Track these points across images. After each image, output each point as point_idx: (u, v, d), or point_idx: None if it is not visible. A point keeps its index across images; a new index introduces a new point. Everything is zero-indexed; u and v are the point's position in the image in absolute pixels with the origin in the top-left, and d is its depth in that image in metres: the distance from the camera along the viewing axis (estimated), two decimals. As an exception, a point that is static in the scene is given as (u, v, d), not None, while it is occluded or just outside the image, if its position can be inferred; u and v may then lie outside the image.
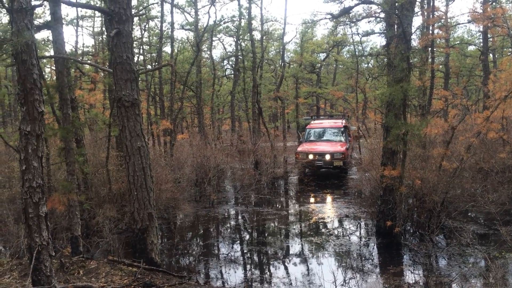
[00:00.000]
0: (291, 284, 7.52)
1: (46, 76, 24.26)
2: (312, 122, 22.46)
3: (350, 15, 16.96)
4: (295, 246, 9.77)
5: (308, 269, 8.26)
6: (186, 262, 8.94)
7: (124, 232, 9.99)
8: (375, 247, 9.48)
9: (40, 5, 5.24)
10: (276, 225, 11.51)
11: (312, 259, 8.85)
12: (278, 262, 8.79)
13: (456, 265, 7.96)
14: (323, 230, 10.88)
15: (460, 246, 8.64)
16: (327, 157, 17.63)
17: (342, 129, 20.08)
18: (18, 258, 7.82)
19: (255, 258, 9.16)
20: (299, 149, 19.04)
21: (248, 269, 8.50)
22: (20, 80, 4.71)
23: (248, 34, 25.16)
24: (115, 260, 7.64)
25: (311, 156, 17.95)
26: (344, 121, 21.40)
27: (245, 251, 9.59)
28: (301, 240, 10.18)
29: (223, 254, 9.37)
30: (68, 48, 27.48)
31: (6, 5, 8.34)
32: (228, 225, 11.93)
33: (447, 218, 9.78)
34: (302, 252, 9.40)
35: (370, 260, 8.70)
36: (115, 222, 9.96)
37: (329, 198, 14.57)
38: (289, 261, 8.77)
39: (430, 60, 18.05)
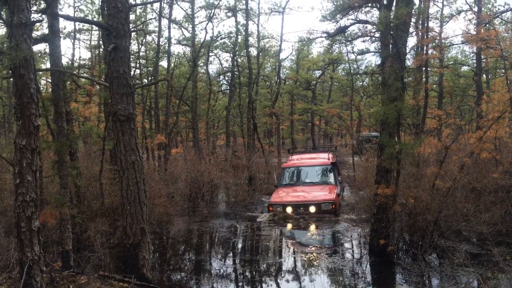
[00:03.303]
0: (283, 302, 7.47)
1: (41, 88, 24.29)
2: (291, 158, 17.79)
3: (346, 34, 17.17)
4: (287, 263, 9.72)
5: (300, 286, 8.21)
6: (177, 278, 8.86)
7: (116, 247, 9.89)
8: (368, 265, 9.44)
9: (40, 21, 5.28)
10: (268, 241, 11.45)
11: (305, 276, 8.80)
12: (270, 278, 8.74)
13: (448, 285, 7.94)
14: (315, 247, 10.84)
15: (452, 266, 8.63)
16: (312, 209, 13.25)
17: (330, 166, 15.62)
18: (8, 271, 7.72)
19: (247, 274, 9.09)
20: (273, 198, 14.23)
21: (239, 285, 8.43)
22: (17, 94, 4.73)
23: (245, 50, 25.34)
24: (106, 276, 7.56)
25: (289, 209, 13.37)
26: (331, 156, 17.02)
27: (237, 267, 9.52)
28: (293, 257, 10.13)
29: (215, 270, 9.30)
30: (65, 60, 27.53)
31: (4, 18, 8.40)
32: (221, 240, 11.86)
33: (440, 237, 9.78)
34: (294, 269, 9.35)
35: (362, 279, 8.66)
36: (107, 237, 9.87)
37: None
38: (281, 278, 8.72)
39: (424, 79, 18.27)
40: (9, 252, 7.93)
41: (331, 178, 15.17)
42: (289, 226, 12.48)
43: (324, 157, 16.64)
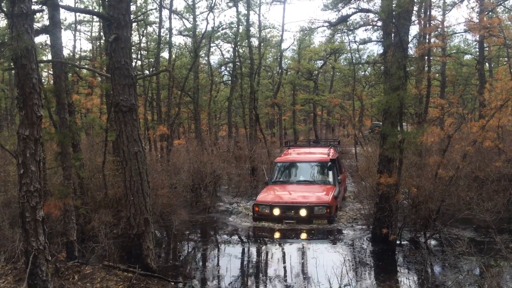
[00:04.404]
0: (286, 291, 7.52)
1: (43, 80, 24.29)
2: (286, 152, 15.92)
3: (348, 23, 17.14)
4: (290, 252, 9.76)
5: (303, 274, 8.25)
6: (181, 267, 8.92)
7: (120, 237, 9.96)
8: (370, 254, 9.49)
9: (41, 10, 5.27)
10: (271, 230, 11.49)
11: (308, 265, 8.84)
12: (274, 267, 8.78)
13: (451, 273, 7.98)
14: (318, 236, 10.89)
15: (455, 254, 8.67)
16: (303, 212, 11.47)
17: (329, 163, 13.60)
18: (13, 262, 7.79)
19: (251, 263, 9.15)
20: (260, 197, 12.47)
21: (244, 274, 8.48)
22: (19, 85, 4.73)
23: (246, 40, 25.24)
24: (111, 266, 7.62)
25: (276, 211, 11.67)
26: (332, 151, 15.08)
27: (241, 256, 9.58)
28: (296, 246, 10.17)
29: (219, 259, 9.36)
30: (66, 52, 27.49)
31: (5, 9, 8.37)
32: (224, 230, 11.91)
33: (442, 226, 9.81)
34: (297, 257, 9.40)
35: (365, 267, 8.70)
36: (110, 227, 9.93)
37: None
38: (285, 267, 8.76)
39: (426, 68, 18.16)
40: (14, 243, 8.00)
41: (329, 177, 13.38)
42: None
43: (323, 153, 14.79)
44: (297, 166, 14.20)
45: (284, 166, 14.41)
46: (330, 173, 13.46)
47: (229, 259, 9.37)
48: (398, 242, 9.67)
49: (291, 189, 13.00)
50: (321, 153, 14.89)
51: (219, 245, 10.62)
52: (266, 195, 12.58)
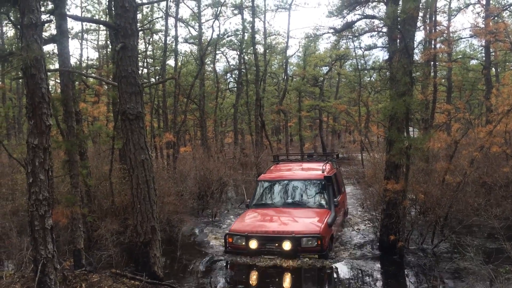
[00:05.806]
0: (294, 298, 7.47)
1: (50, 89, 24.47)
2: (274, 167, 13.11)
3: (353, 29, 17.14)
4: (298, 259, 9.70)
5: (311, 282, 8.21)
6: (188, 276, 8.91)
7: (127, 245, 9.97)
8: (378, 261, 9.43)
9: (49, 21, 5.34)
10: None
11: (315, 272, 8.79)
12: (281, 274, 8.74)
13: (459, 280, 7.91)
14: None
15: (463, 260, 8.60)
16: (286, 245, 9.04)
17: (323, 182, 11.07)
18: (21, 270, 7.81)
19: (258, 271, 9.10)
20: (235, 226, 10.07)
21: (252, 282, 8.45)
22: (28, 94, 4.78)
23: (251, 47, 25.38)
24: (118, 273, 7.62)
25: (254, 244, 9.26)
26: (328, 167, 12.28)
27: (248, 264, 9.54)
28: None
29: (226, 268, 9.32)
30: (73, 61, 27.71)
31: (12, 19, 8.48)
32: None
33: (450, 232, 9.75)
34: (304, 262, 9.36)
35: (373, 274, 8.65)
36: (117, 235, 9.95)
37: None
38: (292, 274, 8.72)
39: (432, 74, 18.16)
40: (21, 251, 8.02)
41: (323, 199, 10.90)
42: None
43: (316, 169, 12.25)
44: (285, 185, 11.63)
45: (269, 185, 11.83)
46: (325, 193, 10.99)
47: (236, 266, 9.33)
48: (405, 248, 9.60)
49: (275, 214, 10.60)
50: (314, 169, 12.42)
51: (226, 253, 10.59)
52: (242, 223, 10.15)
